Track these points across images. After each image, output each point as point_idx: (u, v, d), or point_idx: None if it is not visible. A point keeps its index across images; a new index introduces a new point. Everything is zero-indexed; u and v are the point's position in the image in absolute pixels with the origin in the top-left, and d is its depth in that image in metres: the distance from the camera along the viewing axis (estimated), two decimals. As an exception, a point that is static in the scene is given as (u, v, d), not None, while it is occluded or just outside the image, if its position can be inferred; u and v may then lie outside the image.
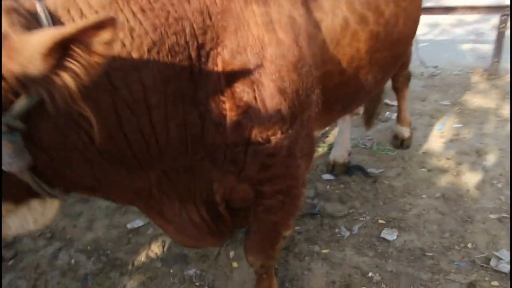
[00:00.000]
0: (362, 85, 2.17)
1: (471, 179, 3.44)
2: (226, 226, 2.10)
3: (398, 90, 3.75)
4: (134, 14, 1.36)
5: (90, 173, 1.45)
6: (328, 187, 3.46)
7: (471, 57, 5.99)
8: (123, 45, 1.33)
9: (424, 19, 7.30)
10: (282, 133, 1.66)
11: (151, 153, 1.52)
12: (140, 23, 1.36)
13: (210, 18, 1.49)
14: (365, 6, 1.98)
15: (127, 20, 1.34)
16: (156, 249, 2.99)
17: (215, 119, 1.56)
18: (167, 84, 1.43)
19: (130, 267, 2.88)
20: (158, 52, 1.38)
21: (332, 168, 3.60)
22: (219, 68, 1.52)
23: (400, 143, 3.90)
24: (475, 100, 4.71)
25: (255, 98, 1.56)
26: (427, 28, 7.31)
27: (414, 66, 5.75)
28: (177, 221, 1.95)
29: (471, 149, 3.83)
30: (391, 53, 2.26)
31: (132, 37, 1.34)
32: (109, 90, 1.32)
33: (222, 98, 1.54)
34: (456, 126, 4.23)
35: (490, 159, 3.67)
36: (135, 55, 1.34)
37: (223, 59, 1.51)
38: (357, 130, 4.27)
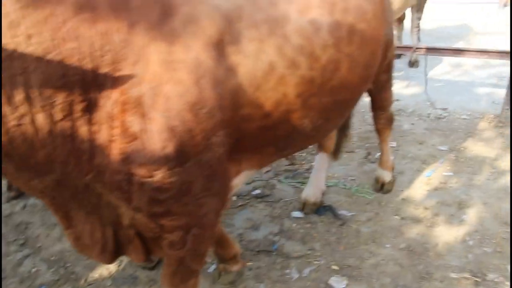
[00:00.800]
0: (296, 130, 2.18)
1: (443, 232, 3.33)
2: (136, 250, 2.15)
3: (380, 132, 3.70)
4: (37, 22, 1.47)
5: None
6: (294, 225, 3.45)
7: (485, 102, 5.80)
8: (16, 48, 1.44)
9: (446, 58, 7.24)
10: (168, 169, 1.70)
11: (38, 157, 1.59)
12: (40, 32, 1.47)
13: (111, 44, 1.57)
14: (298, 51, 1.99)
15: (28, 27, 1.46)
16: (112, 267, 3.09)
17: (103, 141, 1.63)
18: (56, 93, 1.52)
19: (82, 282, 2.99)
20: (49, 62, 1.48)
21: (303, 206, 3.59)
22: (116, 94, 1.59)
23: (381, 187, 3.83)
24: (475, 148, 4.56)
25: (142, 130, 1.62)
26: (448, 68, 7.15)
27: (423, 107, 5.66)
28: (79, 228, 2.02)
29: (454, 200, 3.71)
30: (333, 98, 2.25)
31: (28, 42, 1.46)
32: None
33: (115, 123, 1.62)
34: (446, 174, 4.11)
35: (471, 213, 3.53)
36: (27, 59, 1.46)
37: (120, 86, 1.59)
38: (342, 169, 4.23)
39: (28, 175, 1.67)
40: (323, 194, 3.65)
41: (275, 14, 1.96)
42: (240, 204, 3.74)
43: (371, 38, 2.40)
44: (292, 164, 4.26)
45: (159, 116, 1.62)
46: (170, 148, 1.65)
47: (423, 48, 5.34)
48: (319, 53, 2.07)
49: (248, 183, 4.00)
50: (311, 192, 3.58)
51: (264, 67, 1.90)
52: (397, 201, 3.72)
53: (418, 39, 7.09)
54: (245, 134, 1.97)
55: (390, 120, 3.66)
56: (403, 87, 6.41)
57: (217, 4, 1.81)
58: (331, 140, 3.55)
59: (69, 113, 1.56)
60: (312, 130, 2.26)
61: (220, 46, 1.78)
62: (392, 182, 3.85)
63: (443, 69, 7.16)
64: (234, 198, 3.81)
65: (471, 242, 3.22)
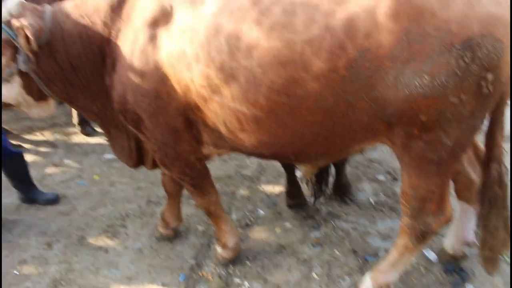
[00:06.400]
0: (217, 122, 2.57)
1: None
2: (149, 161, 3.20)
3: None
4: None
5: (64, 91, 2.86)
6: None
7: None
8: (63, 36, 2.69)
9: None
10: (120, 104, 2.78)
11: (90, 92, 2.87)
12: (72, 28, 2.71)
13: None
14: (200, 47, 2.39)
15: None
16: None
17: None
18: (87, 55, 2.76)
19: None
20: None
21: (440, 253, 3.30)
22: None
23: None
24: None
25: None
26: None
27: None
28: (116, 141, 3.15)
29: None
30: (240, 106, 2.45)
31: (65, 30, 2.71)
32: (64, 51, 2.72)
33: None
34: None
35: None
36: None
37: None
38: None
39: (89, 102, 2.93)
40: (467, 247, 3.17)
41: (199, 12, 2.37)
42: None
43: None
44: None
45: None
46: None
47: None
48: (213, 54, 2.29)
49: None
50: (449, 242, 3.17)
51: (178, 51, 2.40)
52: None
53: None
54: (184, 105, 2.55)
55: None
56: None
57: None
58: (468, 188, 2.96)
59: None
60: (241, 135, 2.52)
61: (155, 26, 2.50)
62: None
63: None
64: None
65: None
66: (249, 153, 2.73)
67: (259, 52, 2.19)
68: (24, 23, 2.54)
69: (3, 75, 2.71)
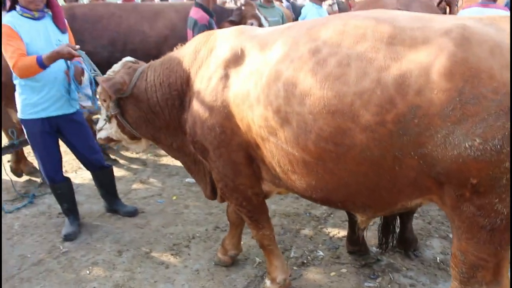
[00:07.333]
0: (273, 162, 2.69)
1: None
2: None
3: None
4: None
5: (148, 131, 3.31)
6: None
7: None
8: (146, 88, 3.17)
9: None
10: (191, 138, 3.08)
11: (170, 131, 3.25)
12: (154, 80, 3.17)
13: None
14: (261, 89, 2.55)
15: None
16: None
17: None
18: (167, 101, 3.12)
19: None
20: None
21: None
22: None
23: None
24: None
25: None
26: None
27: None
28: (196, 174, 3.47)
29: None
30: (295, 151, 2.55)
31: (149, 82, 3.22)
32: (146, 100, 3.19)
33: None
34: None
35: None
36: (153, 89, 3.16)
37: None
38: None
39: (171, 140, 3.32)
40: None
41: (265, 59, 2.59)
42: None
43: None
44: None
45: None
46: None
47: None
48: (272, 98, 2.44)
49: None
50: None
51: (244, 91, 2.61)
52: None
53: None
54: (245, 142, 2.74)
55: None
56: None
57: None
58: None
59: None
60: (294, 177, 2.60)
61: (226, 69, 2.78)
62: None
63: None
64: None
65: None
66: (301, 195, 2.80)
67: (311, 100, 2.30)
68: (104, 82, 3.20)
69: (104, 116, 3.52)
